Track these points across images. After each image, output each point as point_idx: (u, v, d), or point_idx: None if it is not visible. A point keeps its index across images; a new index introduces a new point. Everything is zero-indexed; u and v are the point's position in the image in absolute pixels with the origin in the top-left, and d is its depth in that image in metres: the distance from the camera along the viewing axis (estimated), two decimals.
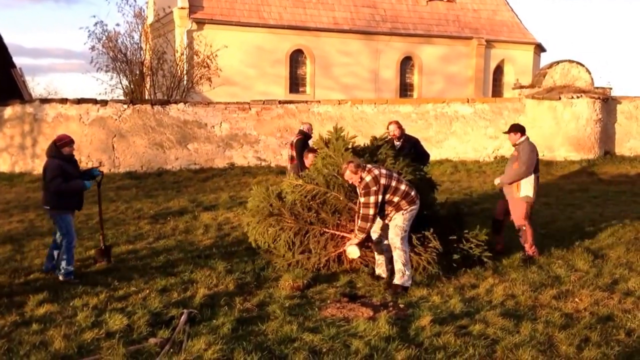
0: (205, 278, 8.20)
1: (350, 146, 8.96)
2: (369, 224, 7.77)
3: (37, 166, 16.95)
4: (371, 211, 7.70)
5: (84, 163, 17.17)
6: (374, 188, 7.63)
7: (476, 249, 8.57)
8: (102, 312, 6.86)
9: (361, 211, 7.74)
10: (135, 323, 6.54)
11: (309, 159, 9.96)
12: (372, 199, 7.64)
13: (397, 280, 7.82)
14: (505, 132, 9.70)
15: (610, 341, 6.20)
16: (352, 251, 7.90)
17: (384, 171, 7.81)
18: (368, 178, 7.64)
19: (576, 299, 7.46)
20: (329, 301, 7.43)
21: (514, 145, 9.53)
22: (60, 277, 8.16)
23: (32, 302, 7.19)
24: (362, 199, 7.69)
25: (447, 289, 7.87)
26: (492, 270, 8.64)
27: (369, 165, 7.84)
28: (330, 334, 6.23)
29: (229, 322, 6.60)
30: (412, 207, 7.86)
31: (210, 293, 7.61)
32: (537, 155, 9.51)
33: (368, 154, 9.05)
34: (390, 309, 7.13)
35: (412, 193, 7.90)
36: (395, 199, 7.78)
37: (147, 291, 7.63)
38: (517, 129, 9.54)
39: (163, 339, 6.14)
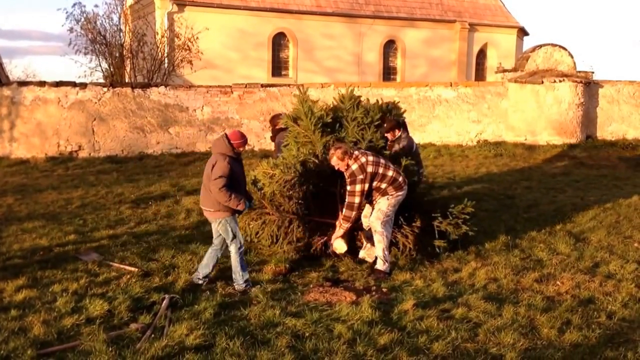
0: (186, 263, 8.14)
1: (322, 118, 8.64)
2: (354, 213, 7.72)
3: (15, 150, 16.75)
4: (357, 199, 7.64)
5: (63, 147, 17.00)
6: (361, 177, 7.56)
7: (462, 227, 8.48)
8: (82, 298, 6.79)
9: (347, 199, 7.68)
10: (116, 308, 6.48)
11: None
12: (358, 187, 7.58)
13: (379, 266, 7.81)
14: (385, 132, 9.20)
15: (591, 324, 6.25)
16: (339, 245, 7.82)
17: (371, 158, 7.70)
18: (354, 166, 7.58)
19: (558, 282, 7.50)
20: (311, 286, 7.42)
21: (392, 141, 9.30)
22: (238, 288, 7.26)
23: (11, 288, 7.09)
24: (348, 187, 7.64)
25: (430, 273, 7.88)
26: (475, 254, 8.67)
27: (356, 152, 7.73)
28: (313, 319, 6.22)
29: (211, 307, 6.56)
30: (399, 193, 7.81)
31: (192, 278, 7.55)
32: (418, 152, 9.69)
33: (334, 118, 8.81)
34: (373, 293, 7.13)
35: (400, 179, 7.84)
36: (383, 186, 7.74)
37: (128, 276, 7.56)
38: (397, 126, 9.32)
39: (144, 325, 6.09)
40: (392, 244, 8.12)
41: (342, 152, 7.60)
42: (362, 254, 8.26)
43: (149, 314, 6.38)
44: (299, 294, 7.11)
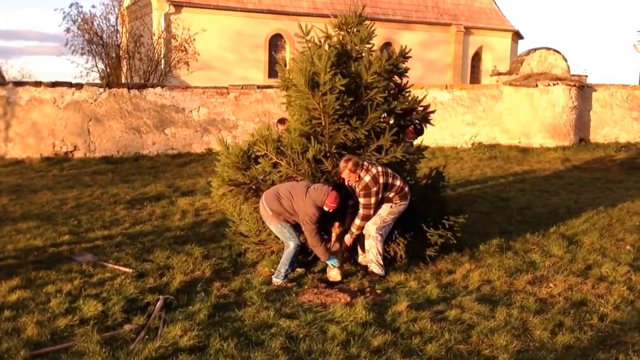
0: (181, 264, 8.14)
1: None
2: (365, 222, 7.67)
3: (10, 150, 16.75)
4: (372, 212, 7.58)
5: (58, 147, 16.99)
6: (374, 189, 7.44)
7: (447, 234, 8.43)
8: (76, 299, 6.78)
9: (361, 211, 7.53)
10: (110, 309, 6.48)
11: (279, 130, 9.90)
12: (373, 199, 7.47)
13: (373, 269, 7.80)
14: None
15: (583, 326, 6.28)
16: (334, 275, 7.71)
17: (380, 169, 7.57)
18: (367, 178, 7.42)
19: (550, 284, 7.53)
20: (306, 287, 7.43)
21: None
22: (275, 280, 7.53)
23: (4, 288, 7.08)
24: (362, 200, 7.47)
25: (424, 275, 7.90)
26: (469, 256, 8.69)
27: (365, 163, 7.55)
28: (307, 320, 6.23)
29: (205, 308, 6.56)
30: (402, 202, 7.75)
31: (187, 279, 7.56)
32: None
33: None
34: (367, 294, 7.15)
35: (406, 189, 7.79)
36: (391, 195, 7.65)
37: (123, 277, 7.56)
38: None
39: (138, 326, 6.10)
40: (385, 251, 8.06)
41: (354, 164, 7.38)
42: (360, 259, 8.21)
43: (143, 314, 6.38)
44: (293, 295, 7.12)
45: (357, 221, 7.61)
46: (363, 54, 8.40)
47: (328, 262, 7.55)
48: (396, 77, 8.60)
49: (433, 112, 8.96)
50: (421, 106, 8.78)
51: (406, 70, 8.62)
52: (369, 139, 8.03)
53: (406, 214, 8.00)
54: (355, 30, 8.53)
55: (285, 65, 9.11)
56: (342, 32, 8.60)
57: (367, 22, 8.55)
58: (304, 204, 7.27)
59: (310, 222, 7.27)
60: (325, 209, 7.29)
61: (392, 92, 8.53)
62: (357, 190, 7.52)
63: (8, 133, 16.84)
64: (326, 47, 8.29)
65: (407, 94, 8.69)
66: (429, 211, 8.41)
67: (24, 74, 36.17)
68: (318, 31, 8.57)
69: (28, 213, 11.06)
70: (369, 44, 8.47)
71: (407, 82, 8.77)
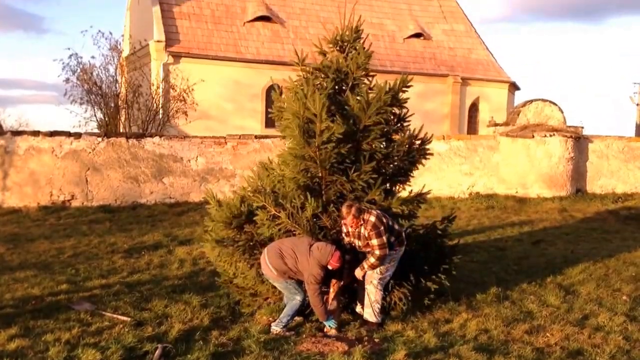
0: (180, 312, 8.15)
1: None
2: (380, 263, 7.58)
3: (7, 199, 16.78)
4: (387, 250, 7.50)
5: (55, 196, 17.05)
6: (382, 228, 7.44)
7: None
8: (75, 347, 6.77)
9: (378, 252, 7.41)
10: (109, 358, 6.47)
11: None
12: (384, 238, 7.44)
13: (370, 317, 7.77)
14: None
15: None
16: (333, 326, 7.69)
17: (380, 212, 7.62)
18: (373, 218, 7.42)
19: (547, 334, 7.55)
20: (304, 335, 7.43)
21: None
22: (274, 328, 7.53)
23: (3, 337, 7.07)
24: (376, 241, 7.39)
25: (422, 324, 7.91)
26: (466, 305, 8.71)
27: (363, 206, 7.58)
28: None
29: (204, 356, 6.57)
30: (401, 249, 7.81)
31: (185, 328, 7.56)
32: None
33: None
34: (365, 343, 7.15)
35: (403, 235, 7.86)
36: (392, 239, 7.65)
37: (121, 326, 7.56)
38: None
39: None
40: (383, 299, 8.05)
41: (357, 209, 7.39)
42: (359, 308, 8.16)
43: None
44: (292, 344, 7.12)
45: (372, 259, 7.50)
46: (361, 82, 8.33)
47: (326, 323, 7.53)
48: (395, 108, 8.46)
49: (430, 154, 8.87)
50: (418, 139, 8.70)
51: (406, 100, 8.47)
52: (365, 190, 8.08)
53: (403, 262, 8.02)
54: (350, 47, 8.45)
55: (281, 94, 8.95)
56: (337, 51, 8.49)
57: (363, 37, 8.44)
58: (308, 264, 7.30)
59: (314, 282, 7.29)
60: (330, 268, 7.34)
61: (390, 123, 8.44)
62: (366, 233, 7.46)
63: (5, 182, 16.89)
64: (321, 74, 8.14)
65: (406, 125, 8.61)
66: (427, 259, 8.44)
67: (21, 122, 36.49)
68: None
69: (25, 262, 11.08)
70: (366, 69, 8.41)
71: (407, 111, 8.66)
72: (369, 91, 8.33)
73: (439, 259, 8.51)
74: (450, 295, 8.79)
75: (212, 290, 9.29)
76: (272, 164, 8.82)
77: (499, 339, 7.37)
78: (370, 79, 8.58)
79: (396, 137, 8.57)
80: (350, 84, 8.35)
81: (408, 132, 8.66)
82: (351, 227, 7.53)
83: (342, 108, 8.12)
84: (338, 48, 8.58)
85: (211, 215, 8.43)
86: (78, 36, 79.96)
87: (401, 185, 8.77)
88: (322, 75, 8.35)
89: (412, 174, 8.81)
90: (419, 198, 8.61)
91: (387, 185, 8.41)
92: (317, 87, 8.16)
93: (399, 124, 8.60)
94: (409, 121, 8.69)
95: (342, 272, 7.63)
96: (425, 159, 8.79)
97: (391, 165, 8.48)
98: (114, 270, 10.57)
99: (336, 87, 8.31)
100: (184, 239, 13.34)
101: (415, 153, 8.63)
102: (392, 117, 8.47)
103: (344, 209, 7.47)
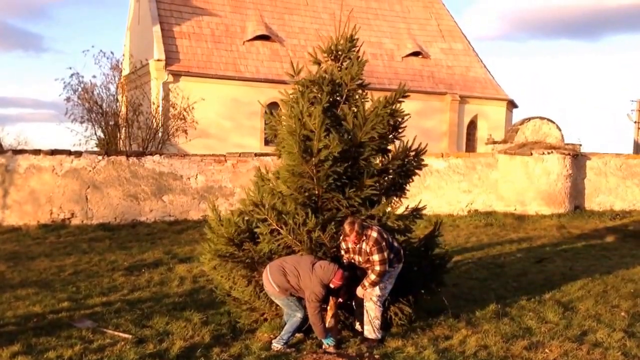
0: (181, 329, 8.18)
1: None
2: (380, 279, 7.65)
3: (7, 217, 16.83)
4: (386, 267, 7.59)
5: (56, 214, 17.10)
6: (384, 243, 7.53)
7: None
8: None
9: (378, 268, 7.50)
10: None
11: None
12: (386, 254, 7.53)
13: (369, 334, 7.81)
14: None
15: None
16: (332, 344, 7.73)
17: (379, 227, 7.70)
18: (374, 234, 7.50)
19: (546, 350, 7.58)
20: (305, 352, 7.47)
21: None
22: (275, 344, 7.60)
23: (6, 354, 7.12)
24: (377, 257, 7.47)
25: (422, 340, 7.94)
26: (465, 321, 8.75)
27: (364, 222, 7.65)
28: None
29: None
30: (398, 266, 7.87)
31: (186, 345, 7.60)
32: None
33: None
34: (366, 359, 7.18)
35: (401, 252, 7.92)
36: (391, 255, 7.72)
37: (122, 343, 7.59)
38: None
39: None
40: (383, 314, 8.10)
41: (360, 225, 7.47)
42: (358, 326, 8.17)
43: None
44: None
45: (372, 276, 7.57)
46: (355, 94, 8.38)
47: (324, 341, 7.56)
48: (392, 120, 8.49)
49: (425, 164, 8.99)
50: (412, 150, 8.80)
51: (404, 113, 8.58)
52: (362, 206, 8.13)
53: (401, 277, 8.07)
54: (344, 57, 8.48)
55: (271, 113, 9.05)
56: (331, 60, 8.53)
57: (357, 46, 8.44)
58: (310, 282, 7.35)
59: (315, 300, 7.34)
60: (332, 286, 7.40)
61: (386, 137, 8.51)
62: (368, 248, 7.52)
63: (6, 200, 16.95)
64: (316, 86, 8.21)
65: (401, 132, 8.65)
66: (423, 273, 8.50)
67: (20, 140, 36.65)
68: None
69: (26, 280, 11.11)
70: (360, 79, 8.43)
71: (402, 120, 8.72)
72: (364, 101, 8.39)
73: (431, 271, 8.58)
74: (449, 312, 8.84)
75: (213, 307, 9.32)
76: (268, 174, 8.81)
77: (499, 355, 7.41)
78: (364, 91, 8.62)
79: (391, 147, 8.62)
80: (344, 95, 8.41)
81: (401, 144, 8.73)
82: (353, 243, 7.57)
83: (338, 123, 8.18)
84: (332, 57, 8.64)
85: (212, 228, 8.46)
86: (77, 55, 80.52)
87: (397, 200, 8.81)
88: (317, 88, 8.39)
89: (407, 188, 8.86)
90: (415, 213, 8.69)
91: (384, 199, 8.48)
92: (312, 100, 8.19)
93: (392, 134, 8.66)
94: (403, 133, 8.76)
95: (340, 289, 7.69)
96: (419, 169, 8.87)
97: (386, 179, 8.54)
98: (115, 288, 10.61)
99: (330, 99, 8.36)
100: (184, 257, 13.38)
101: (409, 166, 8.73)
102: (388, 132, 8.52)
103: (346, 226, 7.51)
